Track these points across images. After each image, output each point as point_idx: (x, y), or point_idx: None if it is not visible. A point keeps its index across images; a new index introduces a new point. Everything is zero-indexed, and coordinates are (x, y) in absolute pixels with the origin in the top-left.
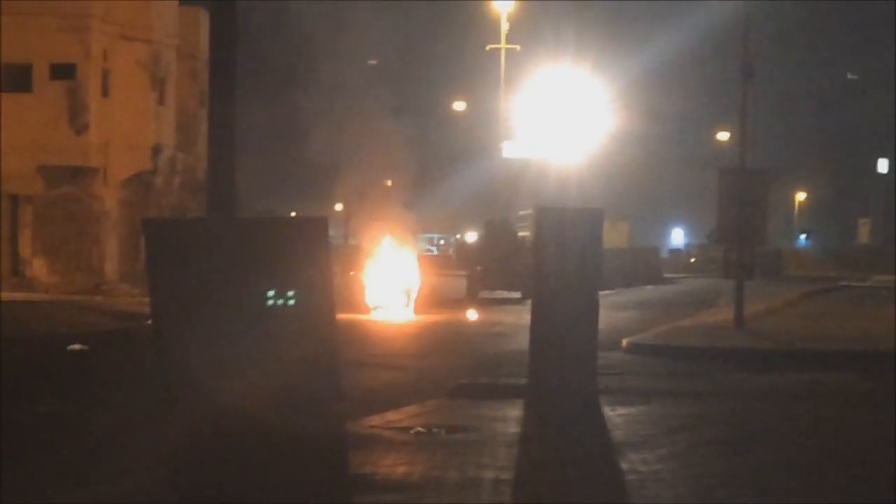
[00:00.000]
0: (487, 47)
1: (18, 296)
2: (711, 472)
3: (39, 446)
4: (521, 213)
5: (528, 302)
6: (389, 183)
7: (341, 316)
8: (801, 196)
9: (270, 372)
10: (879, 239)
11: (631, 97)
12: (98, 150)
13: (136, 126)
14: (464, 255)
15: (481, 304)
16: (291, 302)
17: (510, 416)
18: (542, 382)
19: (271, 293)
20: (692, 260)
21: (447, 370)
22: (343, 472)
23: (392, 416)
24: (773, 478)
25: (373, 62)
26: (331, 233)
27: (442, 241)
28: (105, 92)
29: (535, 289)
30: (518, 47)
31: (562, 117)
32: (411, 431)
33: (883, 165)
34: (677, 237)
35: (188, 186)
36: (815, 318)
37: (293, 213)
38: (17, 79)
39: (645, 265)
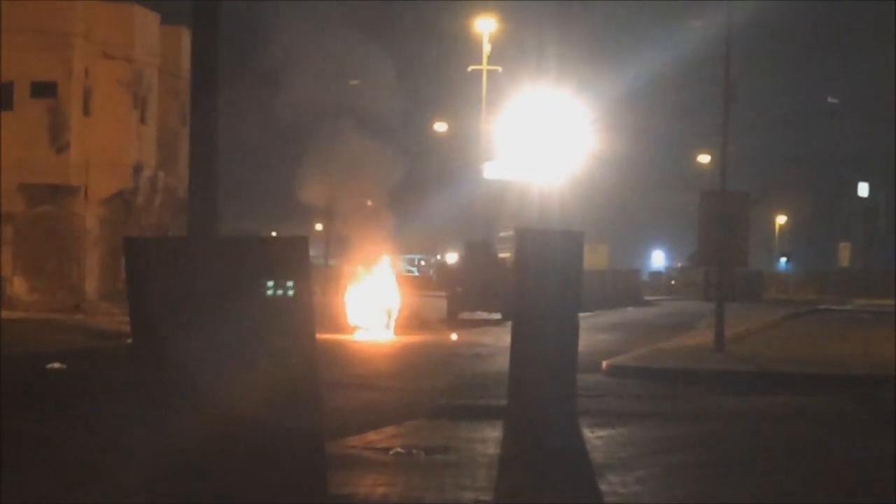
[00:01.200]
0: (469, 68)
1: None
2: (691, 494)
3: (16, 465)
4: (502, 234)
5: (509, 323)
6: (370, 203)
7: (322, 336)
8: (781, 219)
9: (250, 392)
10: (859, 262)
11: (613, 119)
12: (79, 169)
13: (117, 145)
14: (444, 276)
15: (461, 325)
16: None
17: (490, 438)
18: (522, 404)
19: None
20: (673, 282)
21: (427, 391)
22: (322, 492)
23: (372, 436)
24: (753, 499)
25: (354, 83)
26: (311, 253)
27: (422, 262)
28: (86, 110)
29: (516, 310)
30: (500, 68)
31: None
32: (391, 452)
33: (863, 189)
34: (658, 259)
35: (169, 206)
36: (795, 341)
37: (274, 233)
38: None
39: (625, 287)
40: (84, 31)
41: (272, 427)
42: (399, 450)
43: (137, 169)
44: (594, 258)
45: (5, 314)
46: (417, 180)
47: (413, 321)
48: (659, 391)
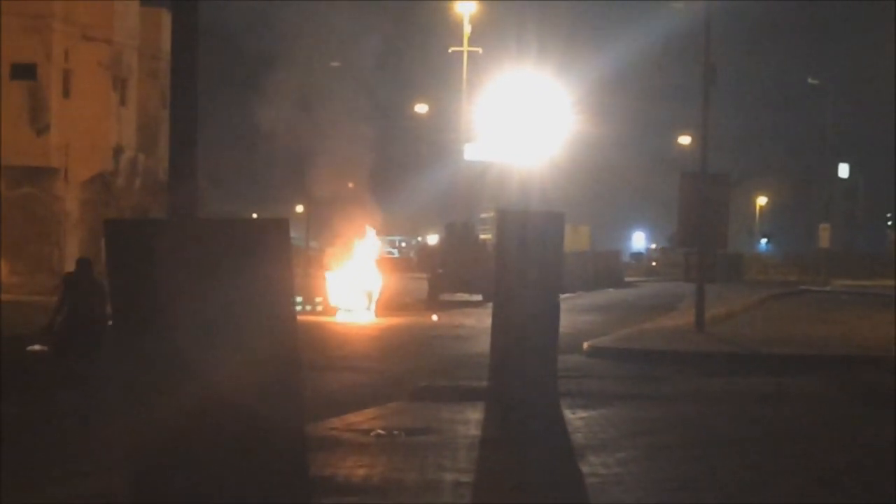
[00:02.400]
0: (450, 50)
1: None
2: (672, 476)
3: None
4: (483, 215)
5: (490, 305)
6: (351, 185)
7: (303, 318)
8: (762, 200)
9: (230, 374)
10: (839, 244)
11: (593, 100)
12: (59, 151)
13: (97, 127)
14: (425, 258)
15: (442, 306)
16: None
17: (471, 419)
18: (503, 385)
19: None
20: (654, 263)
21: (408, 373)
22: (303, 474)
23: (353, 418)
24: (734, 480)
25: (335, 64)
26: (292, 235)
27: (403, 244)
28: (66, 92)
29: (497, 291)
30: (480, 50)
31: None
32: (372, 434)
33: (844, 170)
34: (639, 241)
35: (149, 188)
36: (775, 321)
37: (254, 216)
38: None
39: (606, 268)
40: (63, 14)
41: (252, 409)
42: (380, 431)
43: (117, 151)
44: (575, 239)
45: None
46: (398, 162)
47: (394, 303)
48: (640, 372)
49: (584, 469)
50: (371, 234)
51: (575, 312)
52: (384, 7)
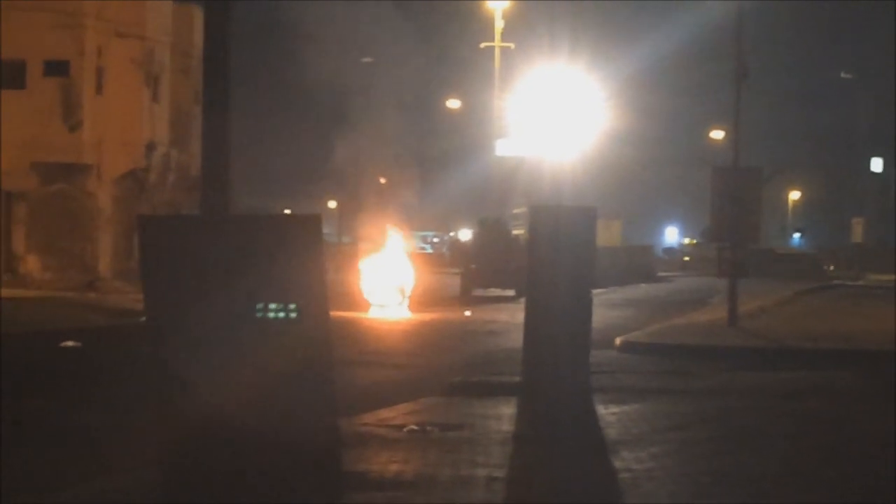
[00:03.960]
0: (482, 45)
1: (12, 292)
2: (705, 471)
3: (31, 443)
4: (515, 211)
5: (522, 300)
6: (383, 181)
7: (336, 313)
8: (794, 195)
9: (263, 370)
10: (873, 238)
11: (625, 95)
12: (92, 147)
13: (129, 123)
14: (458, 253)
15: (475, 302)
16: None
17: (504, 414)
18: (536, 380)
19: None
20: (686, 258)
21: (441, 368)
22: (336, 469)
23: (386, 413)
24: (767, 476)
25: (367, 60)
26: (325, 230)
27: (436, 239)
28: (99, 89)
29: (529, 287)
30: (512, 45)
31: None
32: (405, 429)
33: (877, 164)
34: (671, 235)
35: (182, 184)
36: (807, 316)
37: (287, 211)
38: (11, 76)
39: (639, 263)
40: (96, 10)
41: (285, 404)
42: (413, 427)
43: (150, 147)
44: (607, 234)
45: (19, 292)
46: (430, 158)
47: (427, 298)
48: (672, 367)
49: (617, 464)
50: (395, 233)
51: (607, 307)
52: (416, 3)
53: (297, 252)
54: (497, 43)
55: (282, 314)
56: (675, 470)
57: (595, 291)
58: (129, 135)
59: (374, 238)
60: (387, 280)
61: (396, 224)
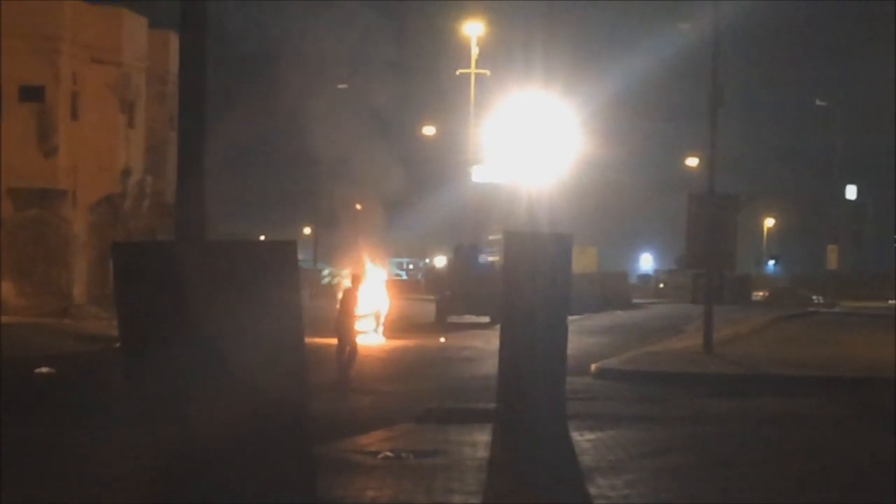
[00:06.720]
0: (457, 72)
1: None
2: (680, 497)
3: (5, 468)
4: (491, 237)
5: (497, 327)
6: (359, 207)
7: (310, 339)
8: (769, 222)
9: (239, 395)
10: (847, 265)
11: (601, 122)
12: (67, 173)
13: (105, 149)
14: (433, 280)
15: (450, 328)
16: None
17: (479, 441)
18: (511, 407)
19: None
20: (661, 285)
21: (416, 395)
22: (311, 496)
23: (361, 440)
24: (742, 502)
25: (342, 86)
26: (300, 257)
27: (411, 266)
28: (74, 114)
29: (505, 313)
30: (488, 72)
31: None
32: (380, 456)
33: (851, 192)
34: (646, 262)
35: (157, 210)
36: (782, 343)
37: (262, 237)
38: None
39: (614, 290)
40: (72, 35)
41: (260, 431)
42: (388, 453)
43: (125, 173)
44: (583, 261)
45: None
46: (405, 184)
47: (402, 325)
48: (648, 394)
49: (593, 491)
50: (368, 262)
51: (583, 334)
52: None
53: (272, 278)
54: (472, 70)
55: (257, 340)
56: (650, 497)
57: (570, 318)
58: (104, 160)
59: (348, 265)
60: (362, 306)
61: (371, 251)
